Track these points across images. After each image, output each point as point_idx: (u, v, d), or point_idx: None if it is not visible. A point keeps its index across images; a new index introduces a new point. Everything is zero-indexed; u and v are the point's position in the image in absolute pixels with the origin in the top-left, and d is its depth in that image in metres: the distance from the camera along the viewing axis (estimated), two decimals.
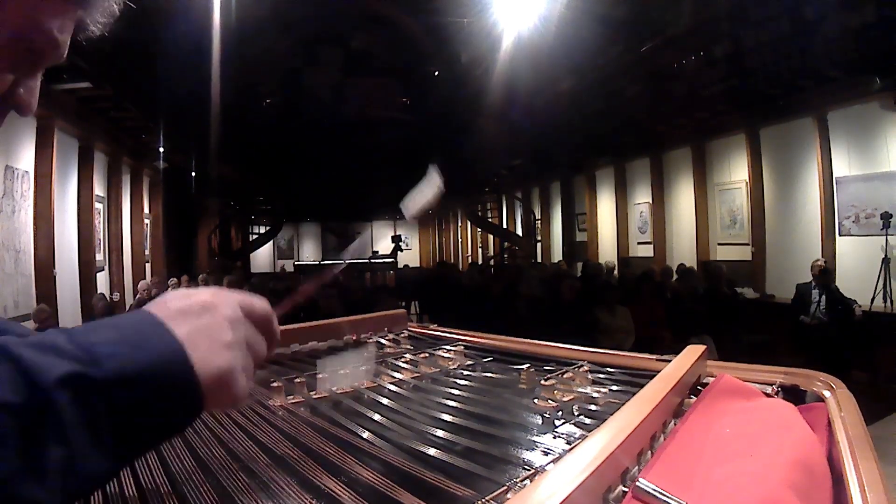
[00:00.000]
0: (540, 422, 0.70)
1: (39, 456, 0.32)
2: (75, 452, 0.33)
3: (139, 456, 0.43)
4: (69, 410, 0.33)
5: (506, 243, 13.99)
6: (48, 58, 0.45)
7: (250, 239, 16.72)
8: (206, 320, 0.41)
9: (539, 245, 13.07)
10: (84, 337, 0.36)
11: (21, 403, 0.31)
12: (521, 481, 0.51)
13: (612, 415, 0.54)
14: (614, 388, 0.81)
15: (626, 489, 0.44)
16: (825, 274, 5.17)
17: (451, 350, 1.07)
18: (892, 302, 5.23)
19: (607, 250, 10.37)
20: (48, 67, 0.46)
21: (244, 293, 0.46)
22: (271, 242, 17.42)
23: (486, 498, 0.49)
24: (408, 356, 1.03)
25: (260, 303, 0.46)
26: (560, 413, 0.73)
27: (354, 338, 1.27)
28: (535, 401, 0.77)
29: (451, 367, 1.00)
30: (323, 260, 18.18)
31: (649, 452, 0.52)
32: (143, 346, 0.37)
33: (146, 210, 9.76)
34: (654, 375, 0.67)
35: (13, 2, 0.41)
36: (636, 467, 0.48)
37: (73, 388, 0.33)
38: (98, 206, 7.37)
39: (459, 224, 18.35)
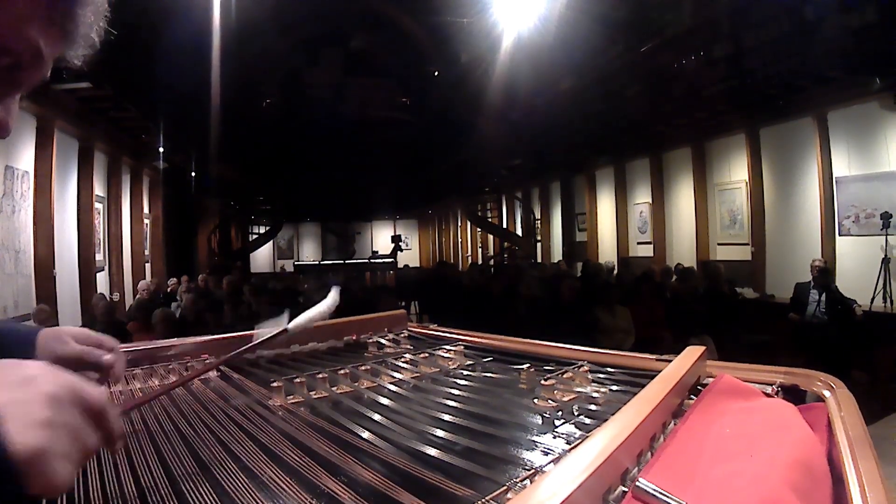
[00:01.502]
0: (540, 422, 0.70)
1: None
2: None
3: None
4: None
5: (506, 243, 13.99)
6: (30, 73, 0.44)
7: (250, 239, 16.72)
8: (22, 393, 0.37)
9: (539, 245, 13.07)
10: None
11: None
12: (521, 481, 0.51)
13: (612, 415, 0.54)
14: (614, 388, 0.81)
15: (626, 489, 0.44)
16: (824, 274, 5.17)
17: (451, 350, 1.07)
18: (892, 302, 5.24)
19: (607, 250, 10.37)
20: (28, 90, 0.46)
21: (81, 379, 0.41)
22: (271, 242, 17.43)
23: (486, 498, 0.49)
24: (408, 356, 1.03)
25: (96, 391, 0.41)
26: (560, 413, 0.72)
27: (354, 338, 1.27)
28: (535, 401, 0.77)
29: (451, 367, 1.00)
30: (323, 260, 18.18)
31: (649, 453, 0.52)
32: None
33: (146, 210, 9.76)
34: (655, 376, 0.67)
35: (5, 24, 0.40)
36: (636, 467, 0.48)
37: None
38: (98, 206, 7.37)
39: (459, 224, 18.35)
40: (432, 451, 0.61)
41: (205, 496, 0.52)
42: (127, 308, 6.84)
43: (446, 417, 0.72)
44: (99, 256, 7.36)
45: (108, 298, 6.40)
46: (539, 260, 12.34)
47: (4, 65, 0.42)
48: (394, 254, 16.35)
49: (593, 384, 0.83)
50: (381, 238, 19.69)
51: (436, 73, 13.09)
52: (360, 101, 13.16)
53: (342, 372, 0.91)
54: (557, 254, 12.12)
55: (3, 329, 0.69)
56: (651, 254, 9.08)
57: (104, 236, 7.67)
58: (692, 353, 0.77)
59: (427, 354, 1.06)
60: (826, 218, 6.04)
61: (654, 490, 0.42)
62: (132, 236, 8.75)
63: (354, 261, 17.37)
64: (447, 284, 7.75)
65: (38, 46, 0.43)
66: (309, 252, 19.87)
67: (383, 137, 13.42)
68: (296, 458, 0.60)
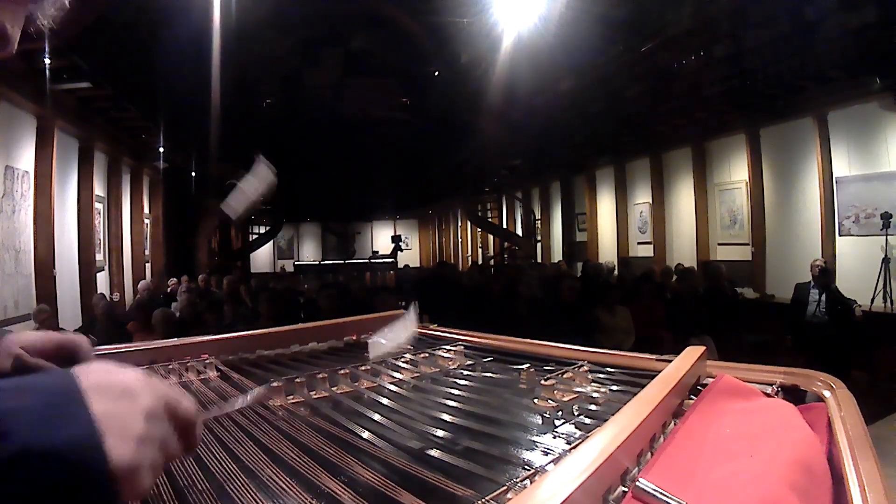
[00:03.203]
0: (540, 422, 0.70)
1: None
2: None
3: None
4: None
5: (506, 243, 13.99)
6: None
7: (250, 239, 16.72)
8: (124, 405, 0.38)
9: (539, 245, 13.07)
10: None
11: None
12: (522, 481, 0.51)
13: (612, 415, 0.54)
14: (614, 388, 0.81)
15: (626, 489, 0.44)
16: (824, 274, 5.17)
17: (451, 350, 1.07)
18: (892, 302, 5.24)
19: (607, 250, 10.37)
20: None
21: (175, 390, 0.43)
22: (271, 242, 17.43)
23: (486, 498, 0.49)
24: (408, 356, 1.03)
25: (187, 404, 0.43)
26: (560, 413, 0.72)
27: (354, 338, 1.27)
28: (535, 401, 0.77)
29: (451, 367, 1.00)
30: (323, 260, 18.18)
31: (649, 453, 0.52)
32: (57, 421, 0.34)
33: (146, 210, 9.76)
34: (655, 376, 0.67)
35: None
36: (636, 467, 0.48)
37: None
38: (98, 206, 7.37)
39: (459, 224, 18.35)
40: (432, 451, 0.61)
41: (205, 496, 0.52)
42: (127, 308, 6.85)
43: (446, 417, 0.72)
44: (99, 256, 7.36)
45: (108, 298, 6.40)
46: (539, 260, 12.34)
47: None
48: (394, 254, 16.35)
49: (593, 384, 0.83)
50: (381, 238, 19.68)
51: (436, 73, 13.09)
52: (360, 101, 13.16)
53: (342, 372, 0.91)
54: (557, 254, 12.12)
55: None
56: (651, 254, 9.08)
57: (104, 236, 7.67)
58: (692, 353, 0.77)
59: (427, 354, 1.06)
60: (826, 218, 6.04)
61: (654, 490, 0.42)
62: (132, 236, 8.75)
63: (354, 261, 17.37)
64: (447, 284, 7.75)
65: (4, 26, 0.43)
66: (309, 252, 19.87)
67: (383, 137, 13.42)
68: (296, 458, 0.60)
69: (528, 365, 0.91)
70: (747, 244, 7.30)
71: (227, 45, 7.05)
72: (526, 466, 0.56)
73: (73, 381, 0.37)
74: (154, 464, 0.39)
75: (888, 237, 5.29)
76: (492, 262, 13.87)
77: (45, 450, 0.32)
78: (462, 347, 1.09)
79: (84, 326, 5.79)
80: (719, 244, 7.87)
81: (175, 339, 1.10)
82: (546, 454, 0.60)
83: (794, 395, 0.73)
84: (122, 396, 0.38)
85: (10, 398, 0.34)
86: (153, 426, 0.39)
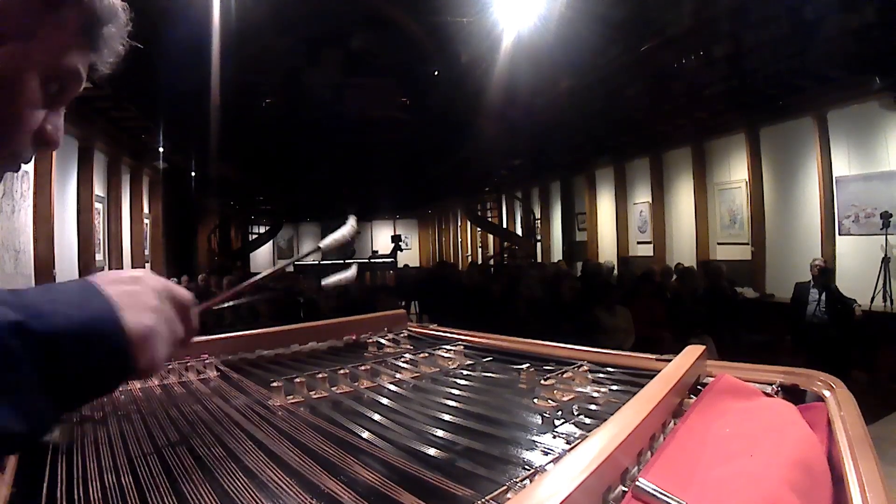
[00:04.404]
0: (540, 422, 0.70)
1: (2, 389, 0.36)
2: (23, 389, 0.38)
3: (72, 409, 0.46)
4: (17, 352, 0.37)
5: (506, 243, 13.98)
6: (72, 94, 0.52)
7: (250, 239, 16.71)
8: (134, 287, 0.47)
9: (539, 245, 13.07)
10: (28, 295, 0.41)
11: None
12: (521, 481, 0.51)
13: (612, 415, 0.54)
14: (614, 387, 0.81)
15: (626, 489, 0.44)
16: (824, 273, 5.17)
17: (451, 350, 1.07)
18: (892, 302, 5.23)
19: (607, 250, 10.37)
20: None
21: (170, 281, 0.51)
22: (271, 242, 17.43)
23: (486, 498, 0.49)
24: (408, 356, 1.03)
25: (183, 290, 0.52)
26: (560, 413, 0.72)
27: (354, 338, 1.27)
28: (535, 401, 0.77)
29: (451, 367, 1.00)
30: (323, 260, 18.17)
31: (649, 452, 0.52)
32: (80, 305, 0.42)
33: (146, 210, 9.76)
34: (654, 375, 0.67)
35: (47, 47, 0.47)
36: (636, 467, 0.48)
37: (20, 334, 0.38)
38: (98, 206, 7.37)
39: (459, 224, 18.35)
40: (432, 451, 0.61)
41: (205, 496, 0.52)
42: None
43: (446, 417, 0.72)
44: (99, 256, 7.36)
45: None
46: (539, 260, 12.33)
47: (53, 91, 0.50)
48: (394, 253, 16.34)
49: (593, 384, 0.83)
50: (381, 238, 19.68)
51: (436, 73, 13.08)
52: (360, 101, 13.15)
53: (342, 372, 0.91)
54: (557, 254, 12.11)
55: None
56: (651, 253, 9.08)
57: (104, 236, 7.66)
58: (692, 352, 0.77)
59: (427, 354, 1.06)
60: (826, 218, 6.04)
61: (654, 490, 0.42)
62: (132, 236, 8.74)
63: (354, 260, 17.35)
64: (447, 284, 7.75)
65: (79, 69, 0.51)
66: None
67: (383, 137, 13.41)
68: (296, 458, 0.60)
69: (527, 365, 0.91)
70: (747, 244, 7.30)
71: (227, 45, 7.05)
72: (526, 466, 0.56)
73: (87, 279, 0.46)
74: (166, 338, 0.48)
75: (888, 237, 5.29)
76: (491, 261, 13.87)
77: (73, 323, 0.41)
78: (462, 347, 1.09)
79: None
80: (719, 244, 7.87)
81: None
82: (546, 454, 0.60)
83: (794, 394, 0.73)
84: (131, 282, 0.47)
85: (38, 294, 0.42)
86: (161, 303, 0.48)
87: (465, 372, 0.98)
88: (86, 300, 0.44)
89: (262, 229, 16.72)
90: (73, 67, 0.50)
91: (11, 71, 0.46)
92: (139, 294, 0.47)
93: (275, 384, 0.82)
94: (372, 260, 17.07)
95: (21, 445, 0.41)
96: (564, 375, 0.83)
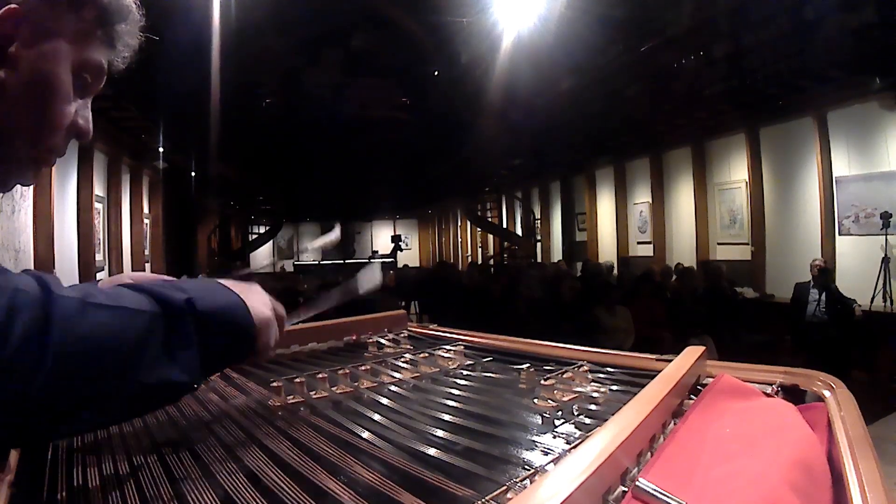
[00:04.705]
0: (540, 422, 0.70)
1: (174, 351, 0.50)
2: (190, 354, 0.51)
3: (210, 373, 0.64)
4: (190, 325, 0.51)
5: (506, 243, 13.98)
6: (98, 87, 0.57)
7: (250, 239, 16.71)
8: (252, 289, 0.62)
9: (539, 245, 13.07)
10: (180, 284, 0.55)
11: (162, 314, 0.49)
12: (521, 481, 0.51)
13: (612, 415, 0.54)
14: (614, 388, 0.81)
15: (626, 489, 0.44)
16: (824, 273, 5.17)
17: (451, 350, 1.07)
18: (892, 302, 5.24)
19: (607, 250, 10.37)
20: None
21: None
22: (271, 242, 17.43)
23: (486, 498, 0.49)
24: (408, 356, 1.03)
25: (280, 305, 0.68)
26: (560, 413, 0.72)
27: (354, 338, 1.27)
28: (535, 401, 0.77)
29: (451, 367, 1.00)
30: (323, 260, 18.18)
31: (649, 453, 0.52)
32: (218, 295, 0.57)
33: (146, 210, 9.76)
34: (654, 375, 0.67)
35: (75, 45, 0.52)
36: (636, 467, 0.48)
37: (191, 309, 0.51)
38: (98, 206, 7.36)
39: (459, 224, 18.35)
40: (432, 451, 0.61)
41: (205, 496, 0.52)
42: None
43: (446, 417, 0.72)
44: (99, 256, 7.36)
45: None
46: (539, 260, 12.33)
47: (81, 85, 0.54)
48: (394, 253, 16.34)
49: (593, 384, 0.83)
50: (381, 238, 19.68)
51: (436, 73, 13.08)
52: (360, 101, 13.15)
53: (342, 372, 0.91)
54: (557, 254, 12.11)
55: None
56: (651, 254, 9.08)
57: (104, 236, 7.66)
58: (692, 353, 0.77)
59: (427, 354, 1.06)
60: (826, 218, 6.04)
61: (654, 490, 0.42)
62: (132, 236, 8.74)
63: (354, 260, 17.37)
64: (447, 284, 7.75)
65: (102, 64, 0.56)
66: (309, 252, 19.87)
67: (383, 137, 13.41)
68: (296, 457, 0.60)
69: (528, 365, 0.91)
70: (747, 244, 7.30)
71: (227, 45, 7.05)
72: (526, 466, 0.56)
73: (215, 280, 0.61)
74: (275, 330, 0.64)
75: (888, 237, 5.29)
76: (491, 261, 13.87)
77: (220, 307, 0.56)
78: (462, 347, 1.09)
79: None
80: (719, 244, 7.87)
81: None
82: (546, 454, 0.60)
83: (794, 395, 0.73)
84: (247, 287, 0.62)
85: (188, 285, 0.55)
86: (272, 304, 0.65)
87: (465, 372, 0.98)
88: (221, 291, 0.58)
89: (262, 229, 16.72)
90: (97, 62, 0.55)
91: (49, 69, 0.50)
92: (258, 295, 0.63)
93: (275, 384, 0.82)
94: (372, 260, 17.07)
95: (181, 395, 0.56)
96: (564, 375, 0.83)
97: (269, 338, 0.62)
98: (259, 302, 0.61)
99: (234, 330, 0.57)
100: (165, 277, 0.73)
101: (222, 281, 0.60)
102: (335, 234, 0.91)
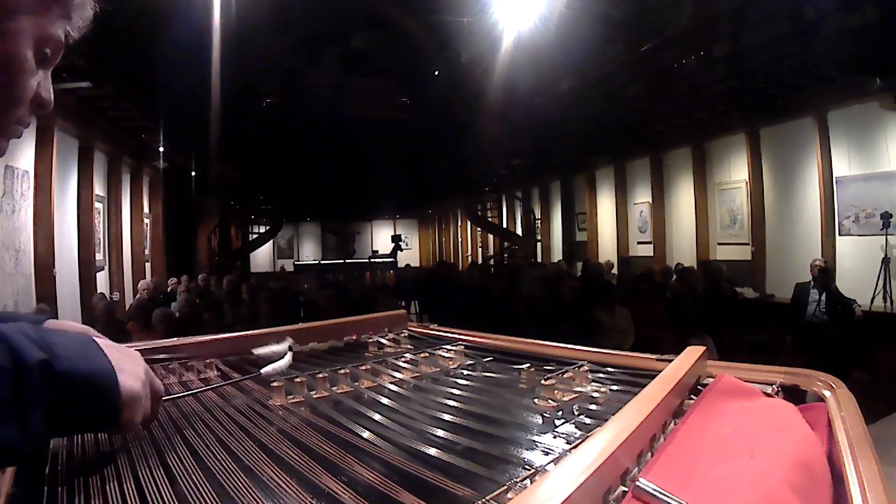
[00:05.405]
0: (540, 422, 0.70)
1: (17, 410, 0.44)
2: (34, 416, 0.45)
3: (58, 437, 0.61)
4: (39, 385, 0.46)
5: (506, 243, 13.99)
6: (56, 59, 0.56)
7: (250, 239, 16.71)
8: (129, 358, 0.58)
9: (539, 245, 13.07)
10: (49, 337, 0.50)
11: (11, 370, 0.44)
12: (522, 481, 0.51)
13: (612, 415, 0.54)
14: (614, 388, 0.81)
15: (626, 489, 0.44)
16: (824, 274, 5.17)
17: (451, 350, 1.07)
18: (892, 302, 5.24)
19: (607, 250, 10.37)
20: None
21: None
22: (271, 242, 17.43)
23: (486, 498, 0.49)
24: (408, 356, 1.03)
25: (158, 381, 0.65)
26: (560, 413, 0.72)
27: (354, 338, 1.27)
28: (535, 401, 0.77)
29: (451, 367, 1.00)
30: (323, 259, 18.18)
31: (649, 453, 0.52)
32: (87, 359, 0.52)
33: (146, 210, 9.76)
34: (655, 375, 0.67)
35: (36, 20, 0.52)
36: (636, 467, 0.48)
37: (44, 370, 0.46)
38: (98, 205, 7.36)
39: (459, 224, 18.35)
40: (432, 451, 0.61)
41: (205, 496, 0.52)
42: (127, 308, 6.84)
43: (446, 417, 0.72)
44: (99, 256, 7.36)
45: (108, 298, 6.40)
46: (539, 260, 12.33)
47: (44, 57, 0.54)
48: (394, 253, 16.34)
49: (593, 384, 0.83)
50: (381, 238, 19.68)
51: (436, 73, 13.08)
52: (360, 101, 13.16)
53: (342, 371, 0.91)
54: (557, 254, 12.11)
55: (6, 316, 0.72)
56: (651, 254, 9.08)
57: (104, 236, 7.66)
58: (692, 353, 0.77)
59: (427, 354, 1.06)
60: (826, 218, 6.04)
61: (654, 490, 0.42)
62: (132, 236, 8.75)
63: (354, 260, 17.37)
64: (447, 284, 7.75)
65: (61, 37, 0.55)
66: (309, 252, 19.87)
67: (383, 137, 13.42)
68: (296, 458, 0.59)
69: (528, 365, 0.91)
70: (747, 244, 7.30)
71: (227, 45, 7.05)
72: (526, 466, 0.56)
73: (91, 339, 0.56)
74: (143, 407, 0.58)
75: (888, 237, 5.29)
76: (491, 261, 13.87)
77: (83, 371, 0.51)
78: (462, 347, 1.09)
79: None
80: (719, 244, 7.87)
81: (175, 338, 1.10)
82: (546, 454, 0.59)
83: (794, 395, 0.73)
84: (127, 354, 0.58)
85: (60, 339, 0.51)
86: (146, 379, 0.59)
87: (465, 372, 0.98)
88: (92, 354, 0.53)
89: (262, 229, 16.71)
90: (56, 36, 0.54)
91: (11, 47, 0.50)
92: (134, 365, 0.58)
93: (275, 384, 0.82)
94: (372, 260, 17.08)
95: (16, 461, 0.51)
96: (565, 375, 0.83)
97: (135, 412, 0.56)
98: (132, 374, 0.56)
99: (95, 399, 0.52)
100: (81, 328, 0.73)
101: (104, 343, 0.56)
102: (288, 346, 0.93)
